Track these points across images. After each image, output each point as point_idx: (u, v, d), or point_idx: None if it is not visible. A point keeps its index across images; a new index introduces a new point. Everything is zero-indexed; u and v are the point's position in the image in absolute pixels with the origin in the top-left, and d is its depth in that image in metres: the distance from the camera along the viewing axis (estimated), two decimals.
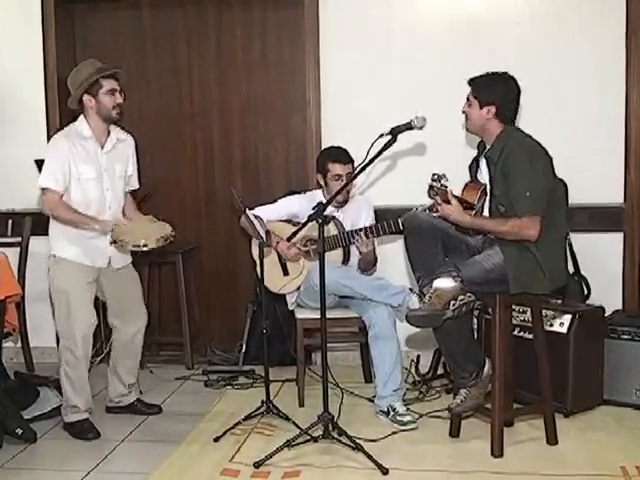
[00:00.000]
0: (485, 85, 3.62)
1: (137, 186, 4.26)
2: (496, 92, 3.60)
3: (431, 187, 3.57)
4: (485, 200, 3.64)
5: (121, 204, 4.10)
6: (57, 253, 3.97)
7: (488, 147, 3.65)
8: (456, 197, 3.58)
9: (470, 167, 3.81)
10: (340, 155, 4.36)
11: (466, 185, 3.72)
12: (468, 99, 3.67)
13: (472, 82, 3.67)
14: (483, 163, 3.70)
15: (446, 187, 3.57)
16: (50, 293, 4.10)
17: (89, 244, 3.96)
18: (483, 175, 3.70)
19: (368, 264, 4.46)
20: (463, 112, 3.70)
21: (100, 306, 4.20)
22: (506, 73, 3.64)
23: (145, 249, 3.79)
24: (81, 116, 4.00)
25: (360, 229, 4.27)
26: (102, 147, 3.99)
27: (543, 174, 3.51)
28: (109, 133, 4.03)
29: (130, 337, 4.18)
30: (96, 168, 3.95)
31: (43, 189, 3.90)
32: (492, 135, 3.62)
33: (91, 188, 3.94)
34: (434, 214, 3.63)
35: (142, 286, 4.34)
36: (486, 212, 3.64)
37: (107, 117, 3.95)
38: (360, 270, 4.45)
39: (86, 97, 3.93)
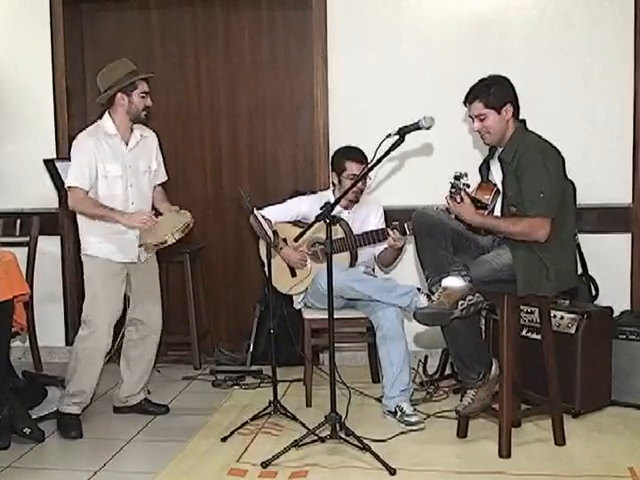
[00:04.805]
0: (489, 90, 3.56)
1: (165, 178, 4.31)
2: (503, 91, 3.57)
3: (451, 185, 3.57)
4: (497, 200, 3.62)
5: (147, 199, 4.15)
6: (87, 251, 4.05)
7: (500, 149, 3.63)
8: (470, 196, 3.57)
9: (480, 169, 3.80)
10: (357, 154, 4.34)
11: (480, 185, 3.68)
12: (478, 116, 3.58)
13: (476, 96, 3.58)
14: (495, 165, 3.68)
15: (468, 186, 3.56)
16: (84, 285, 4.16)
17: (118, 240, 4.01)
18: (494, 177, 3.69)
19: (393, 260, 4.46)
20: (477, 131, 3.63)
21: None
22: (496, 75, 3.61)
23: (166, 245, 3.88)
24: (106, 114, 4.04)
25: (390, 226, 4.22)
26: (127, 144, 4.04)
27: (556, 175, 3.49)
28: (132, 130, 4.07)
29: (153, 331, 4.24)
30: (121, 165, 4.01)
31: (69, 187, 3.96)
32: (506, 137, 3.60)
33: (117, 185, 4.00)
34: (450, 215, 3.63)
35: None
36: (497, 213, 3.63)
37: (136, 117, 4.02)
38: (380, 264, 4.45)
39: (120, 95, 3.97)
